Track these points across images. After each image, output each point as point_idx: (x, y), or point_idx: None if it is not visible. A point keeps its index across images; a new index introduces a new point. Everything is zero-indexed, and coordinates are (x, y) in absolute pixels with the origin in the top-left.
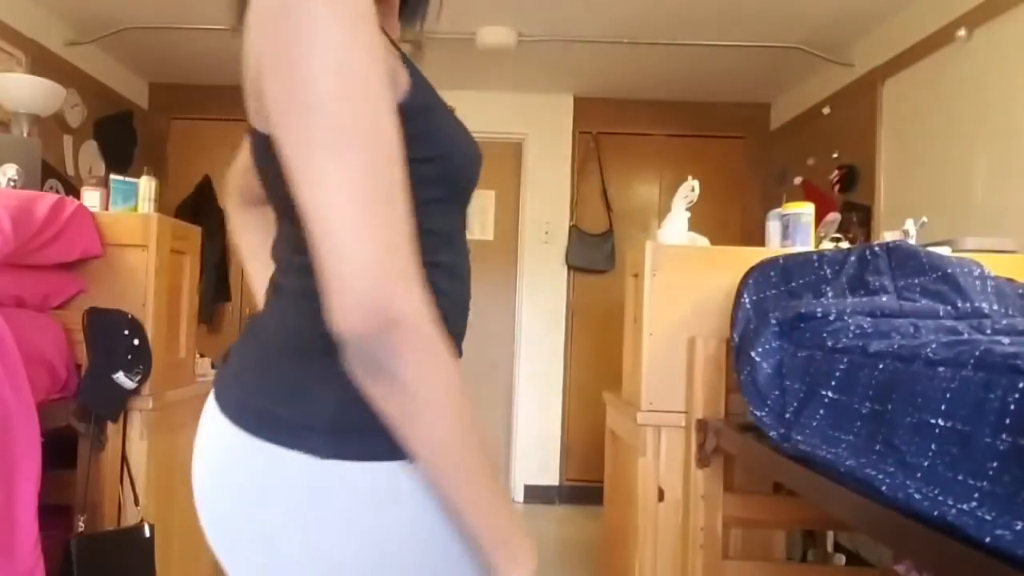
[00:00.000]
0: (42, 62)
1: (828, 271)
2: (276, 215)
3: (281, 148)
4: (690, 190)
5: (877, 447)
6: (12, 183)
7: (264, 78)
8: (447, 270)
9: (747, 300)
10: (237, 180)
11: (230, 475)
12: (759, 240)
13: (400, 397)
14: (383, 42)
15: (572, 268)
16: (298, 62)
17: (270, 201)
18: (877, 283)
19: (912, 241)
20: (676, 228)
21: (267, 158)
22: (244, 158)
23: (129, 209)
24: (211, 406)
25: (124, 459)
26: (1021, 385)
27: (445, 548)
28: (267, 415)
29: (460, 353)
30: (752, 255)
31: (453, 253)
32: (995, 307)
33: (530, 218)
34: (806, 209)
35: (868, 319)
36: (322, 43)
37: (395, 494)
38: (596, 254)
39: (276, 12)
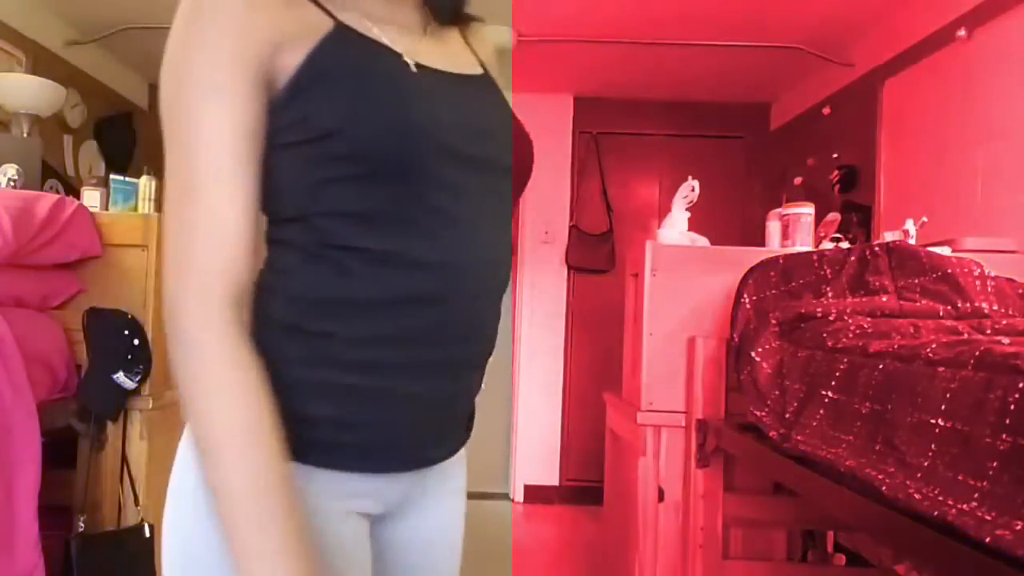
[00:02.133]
0: (42, 62)
1: (828, 271)
2: None
3: None
4: (690, 190)
5: (877, 447)
6: (12, 183)
7: None
8: (374, 257)
9: (747, 300)
10: None
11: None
12: (759, 240)
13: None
14: (254, 31)
15: (572, 268)
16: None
17: None
18: (877, 283)
19: (912, 241)
20: (676, 228)
21: None
22: None
23: (129, 209)
24: None
25: (124, 459)
26: (1021, 385)
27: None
28: None
29: (443, 348)
30: (752, 255)
31: (384, 238)
32: (995, 307)
33: (530, 218)
34: (806, 209)
35: (868, 319)
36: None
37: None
38: (596, 254)
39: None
